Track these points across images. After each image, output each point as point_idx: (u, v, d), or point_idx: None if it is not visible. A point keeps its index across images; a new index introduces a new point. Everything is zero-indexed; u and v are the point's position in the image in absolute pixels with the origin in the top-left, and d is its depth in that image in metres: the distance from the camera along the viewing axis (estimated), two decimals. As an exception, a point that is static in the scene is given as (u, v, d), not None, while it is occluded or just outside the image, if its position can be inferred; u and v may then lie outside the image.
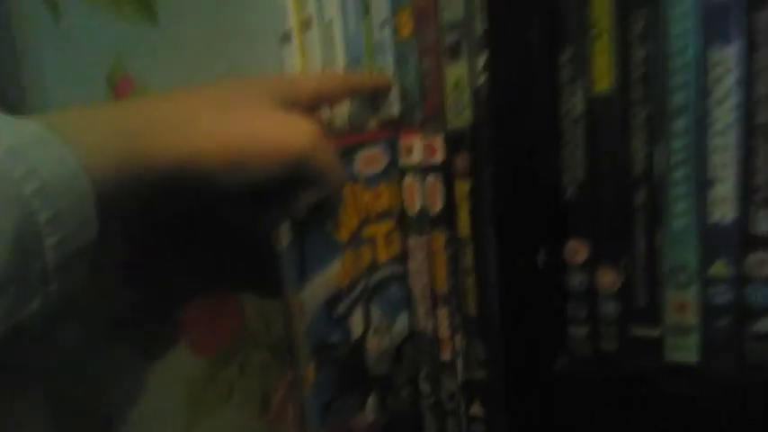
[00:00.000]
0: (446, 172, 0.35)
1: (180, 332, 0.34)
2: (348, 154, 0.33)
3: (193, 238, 0.35)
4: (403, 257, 0.37)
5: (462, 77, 0.33)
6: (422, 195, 0.36)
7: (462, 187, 0.34)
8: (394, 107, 0.36)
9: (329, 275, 0.31)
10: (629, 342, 0.31)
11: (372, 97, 0.36)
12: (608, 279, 0.31)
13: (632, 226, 0.30)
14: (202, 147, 0.25)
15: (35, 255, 0.20)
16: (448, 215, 0.35)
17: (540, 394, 0.32)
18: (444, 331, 0.36)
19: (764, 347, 0.28)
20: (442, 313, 0.36)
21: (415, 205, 0.36)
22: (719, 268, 0.28)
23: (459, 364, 0.36)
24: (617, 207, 0.30)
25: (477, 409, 0.36)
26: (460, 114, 0.34)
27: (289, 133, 0.27)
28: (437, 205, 0.35)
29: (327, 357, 0.31)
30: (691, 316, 0.29)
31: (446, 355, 0.37)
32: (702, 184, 0.28)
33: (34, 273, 0.20)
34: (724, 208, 0.28)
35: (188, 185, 0.25)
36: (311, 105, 0.31)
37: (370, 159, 0.35)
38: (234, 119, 0.26)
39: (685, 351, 0.29)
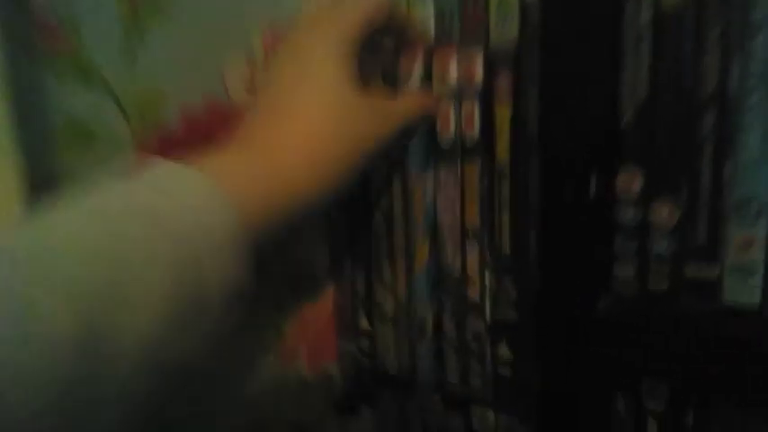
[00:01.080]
0: (485, 95, 0.31)
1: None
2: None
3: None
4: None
5: (511, -17, 0.29)
6: (456, 121, 0.33)
7: (503, 112, 0.31)
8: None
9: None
10: (682, 282, 0.28)
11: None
12: (664, 213, 0.28)
13: (697, 154, 0.27)
14: (338, 176, 0.28)
15: (200, 299, 0.22)
16: (485, 144, 0.32)
17: (579, 336, 0.30)
18: (473, 269, 0.34)
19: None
20: (472, 250, 0.34)
21: (448, 132, 0.33)
22: (793, 201, 0.25)
23: (488, 303, 0.34)
24: (681, 133, 0.27)
25: (503, 351, 0.34)
26: (505, 29, 0.30)
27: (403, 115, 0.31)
28: (473, 132, 0.32)
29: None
30: (756, 253, 0.26)
31: (474, 295, 0.34)
32: (783, 107, 0.25)
33: (199, 311, 0.22)
34: (804, 134, 0.25)
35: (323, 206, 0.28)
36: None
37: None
38: (356, 130, 0.29)
39: (746, 292, 0.27)
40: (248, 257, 0.24)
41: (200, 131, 0.37)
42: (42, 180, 0.39)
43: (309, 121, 0.28)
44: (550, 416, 0.33)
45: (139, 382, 0.21)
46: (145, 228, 0.21)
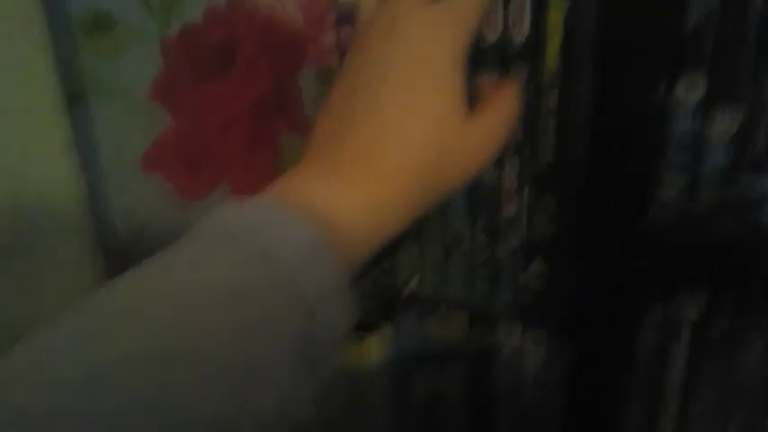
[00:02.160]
0: (538, -8, 0.29)
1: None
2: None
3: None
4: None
5: None
6: (503, 21, 0.30)
7: (556, 12, 0.29)
8: None
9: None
10: (732, 197, 0.28)
11: None
12: (724, 123, 0.27)
13: (764, 63, 0.26)
14: (450, 187, 0.27)
15: (313, 353, 0.21)
16: (534, 46, 0.30)
17: (620, 249, 0.30)
18: (511, 183, 0.33)
19: None
20: (512, 163, 0.32)
21: (494, 33, 0.30)
22: None
23: (524, 218, 0.33)
24: (749, 39, 0.26)
25: (538, 266, 0.34)
26: None
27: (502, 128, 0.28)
28: (522, 33, 0.30)
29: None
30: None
31: (510, 210, 0.33)
32: None
33: (314, 365, 0.22)
34: None
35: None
36: None
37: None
38: (463, 163, 0.27)
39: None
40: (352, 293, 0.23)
41: (223, 27, 0.33)
42: (66, 70, 0.36)
43: (416, 155, 0.25)
44: (582, 329, 0.33)
45: None
46: (265, 302, 0.20)
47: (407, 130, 0.25)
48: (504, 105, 0.29)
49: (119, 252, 0.20)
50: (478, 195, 0.34)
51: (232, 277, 0.20)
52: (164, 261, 0.21)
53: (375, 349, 0.40)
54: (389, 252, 0.37)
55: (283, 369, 0.20)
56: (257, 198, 0.23)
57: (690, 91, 0.28)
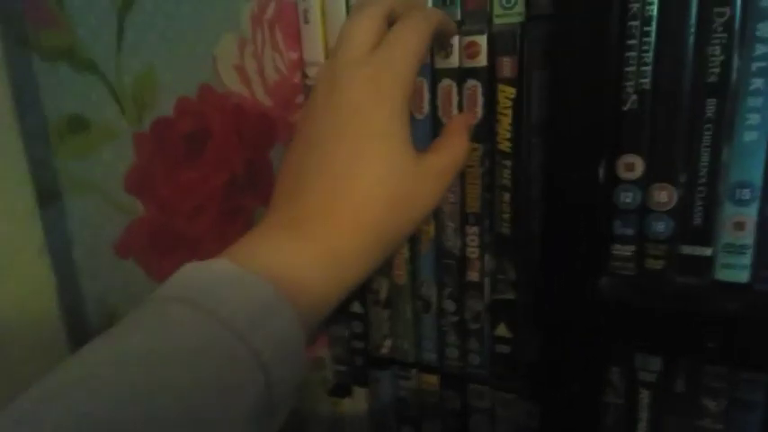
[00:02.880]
0: (489, 76, 0.31)
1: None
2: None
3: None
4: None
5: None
6: (459, 102, 0.32)
7: (506, 94, 0.31)
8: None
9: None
10: (678, 261, 0.30)
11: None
12: (663, 196, 0.29)
13: (697, 140, 0.28)
14: (406, 232, 0.28)
15: (268, 405, 0.22)
16: (488, 125, 0.32)
17: (578, 314, 0.31)
18: (473, 251, 0.34)
19: (816, 266, 0.28)
20: (472, 232, 0.34)
21: (450, 113, 0.33)
22: (785, 185, 0.27)
23: (487, 284, 0.34)
24: (682, 119, 0.28)
25: (503, 330, 0.35)
26: (510, 9, 0.30)
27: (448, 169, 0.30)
28: (476, 114, 0.32)
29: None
30: (748, 234, 0.28)
31: (474, 275, 0.35)
32: (780, 95, 0.26)
33: (271, 415, 0.22)
34: (799, 122, 0.26)
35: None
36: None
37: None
38: (417, 204, 0.27)
39: (737, 270, 0.29)
40: (305, 347, 0.24)
41: (194, 117, 0.35)
42: (40, 172, 0.37)
43: (369, 205, 0.26)
44: (548, 391, 0.34)
45: None
46: (219, 361, 0.21)
47: (358, 184, 0.26)
48: (454, 143, 0.30)
49: (91, 337, 0.21)
50: (445, 262, 0.35)
51: (186, 339, 0.21)
52: (122, 327, 0.21)
53: (351, 412, 0.41)
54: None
55: (239, 424, 0.20)
56: (213, 260, 0.24)
57: (631, 166, 0.30)
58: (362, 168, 0.26)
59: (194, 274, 0.23)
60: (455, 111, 0.32)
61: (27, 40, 0.33)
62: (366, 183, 0.26)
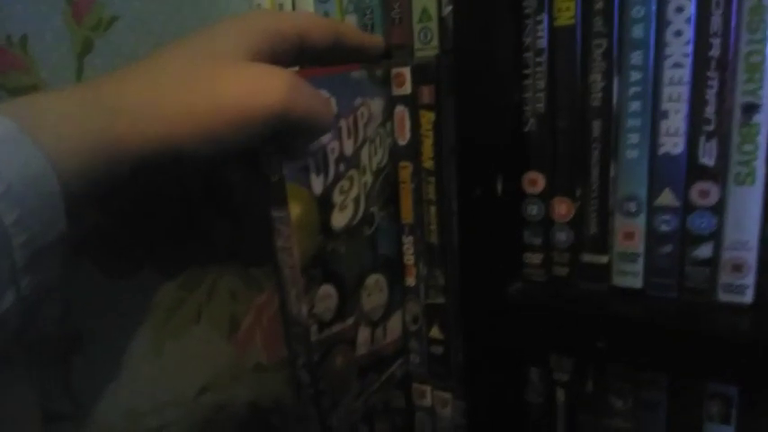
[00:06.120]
0: (413, 103, 0.35)
1: (145, 255, 0.35)
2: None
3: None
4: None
5: (429, 7, 0.33)
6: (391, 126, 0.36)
7: (427, 118, 0.35)
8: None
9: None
10: (580, 268, 0.32)
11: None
12: (563, 208, 0.32)
13: (587, 157, 0.31)
14: (171, 124, 0.24)
15: (3, 255, 0.19)
16: (414, 146, 0.36)
17: (495, 318, 0.34)
18: (409, 258, 0.38)
19: (703, 272, 0.30)
20: (408, 241, 0.37)
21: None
22: (666, 198, 0.29)
23: (422, 289, 0.38)
24: (574, 139, 0.31)
25: (436, 332, 0.38)
26: (428, 44, 0.34)
27: (257, 91, 0.25)
28: (405, 136, 0.36)
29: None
30: (638, 243, 0.30)
31: (411, 281, 0.38)
32: (655, 116, 0.29)
33: (3, 271, 0.19)
34: (674, 140, 0.29)
35: (164, 162, 0.24)
36: (297, 46, 0.28)
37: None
38: (197, 86, 0.24)
39: (631, 276, 0.31)
40: (61, 198, 0.21)
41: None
42: None
43: (155, 68, 0.25)
44: (477, 390, 0.37)
45: None
46: None
47: (172, 58, 0.25)
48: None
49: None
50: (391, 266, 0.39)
51: None
52: None
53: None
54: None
55: None
56: None
57: (534, 182, 0.33)
58: (177, 54, 0.26)
59: None
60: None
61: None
62: (178, 63, 0.25)
